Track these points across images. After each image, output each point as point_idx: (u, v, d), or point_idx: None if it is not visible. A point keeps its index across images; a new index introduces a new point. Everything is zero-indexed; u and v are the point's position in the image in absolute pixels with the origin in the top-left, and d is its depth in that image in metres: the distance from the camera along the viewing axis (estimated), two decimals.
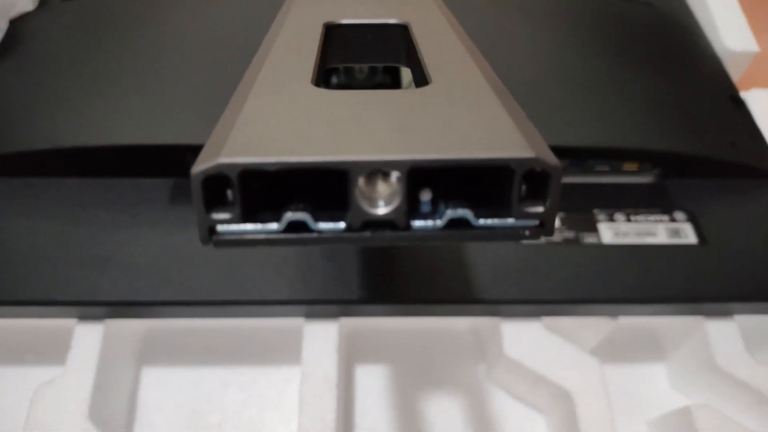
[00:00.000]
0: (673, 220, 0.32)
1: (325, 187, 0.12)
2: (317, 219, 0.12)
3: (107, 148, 0.31)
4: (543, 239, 0.30)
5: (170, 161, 0.31)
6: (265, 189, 0.12)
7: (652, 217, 0.32)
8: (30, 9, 0.40)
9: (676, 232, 0.31)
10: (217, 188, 0.12)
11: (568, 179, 0.33)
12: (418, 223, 0.13)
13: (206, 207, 0.12)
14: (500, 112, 0.12)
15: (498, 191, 0.12)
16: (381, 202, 0.12)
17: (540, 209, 0.12)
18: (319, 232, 0.13)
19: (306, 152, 0.11)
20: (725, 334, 0.30)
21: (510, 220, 0.12)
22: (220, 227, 0.12)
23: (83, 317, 0.29)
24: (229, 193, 0.12)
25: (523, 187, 0.12)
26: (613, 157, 0.33)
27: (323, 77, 0.18)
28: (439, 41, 0.16)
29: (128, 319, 0.30)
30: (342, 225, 0.12)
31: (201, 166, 0.11)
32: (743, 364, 0.30)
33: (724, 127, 0.35)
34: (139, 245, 0.30)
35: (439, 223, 0.12)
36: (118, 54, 0.36)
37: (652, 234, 0.31)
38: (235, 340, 0.33)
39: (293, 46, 0.16)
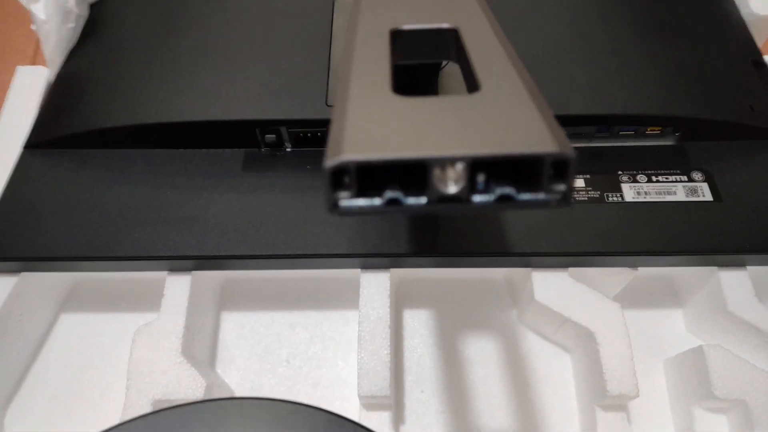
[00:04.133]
0: (691, 180, 0.34)
1: (411, 171, 0.16)
2: (407, 195, 0.17)
3: (189, 123, 0.34)
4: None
5: (242, 134, 0.35)
6: (370, 174, 0.16)
7: (672, 177, 0.34)
8: None
9: (693, 191, 0.34)
10: (338, 174, 0.16)
11: (595, 143, 0.36)
12: (476, 198, 0.17)
13: (333, 188, 0.16)
14: (534, 114, 0.16)
15: (533, 173, 0.16)
16: (450, 183, 0.16)
17: (563, 187, 0.16)
18: (408, 205, 0.17)
19: (399, 151, 0.16)
20: (737, 283, 0.33)
21: (541, 195, 0.16)
22: (341, 202, 0.17)
23: (173, 269, 0.33)
24: (346, 178, 0.16)
25: (551, 170, 0.16)
26: (637, 122, 0.35)
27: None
28: (484, 46, 0.20)
29: (211, 270, 0.34)
30: (424, 200, 0.17)
31: (330, 161, 0.15)
32: (752, 310, 0.32)
33: (744, 90, 0.37)
34: (219, 207, 0.33)
35: (492, 197, 0.17)
36: (192, 36, 0.39)
37: (671, 193, 0.34)
38: (301, 288, 0.37)
39: (370, 54, 0.20)
